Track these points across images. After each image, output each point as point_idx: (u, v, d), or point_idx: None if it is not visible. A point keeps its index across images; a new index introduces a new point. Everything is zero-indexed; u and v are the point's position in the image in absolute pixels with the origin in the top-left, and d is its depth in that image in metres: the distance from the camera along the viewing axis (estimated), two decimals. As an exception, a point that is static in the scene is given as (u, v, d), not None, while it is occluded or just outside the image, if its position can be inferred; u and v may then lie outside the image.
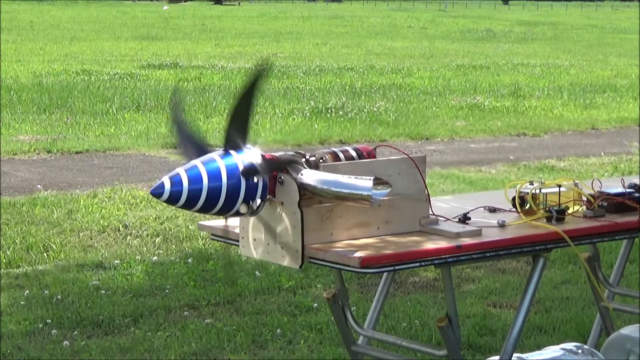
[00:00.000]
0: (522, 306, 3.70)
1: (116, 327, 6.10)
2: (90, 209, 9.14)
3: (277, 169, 3.34)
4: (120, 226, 8.54)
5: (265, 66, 3.26)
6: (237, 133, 3.29)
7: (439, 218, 3.62)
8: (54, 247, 7.90)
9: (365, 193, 3.27)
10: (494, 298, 6.71)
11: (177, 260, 7.50)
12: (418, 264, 3.43)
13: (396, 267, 3.37)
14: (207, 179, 3.19)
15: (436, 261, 3.42)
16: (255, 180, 3.26)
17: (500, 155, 13.19)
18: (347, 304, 4.00)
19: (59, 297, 6.59)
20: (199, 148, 3.36)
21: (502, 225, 3.66)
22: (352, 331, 4.07)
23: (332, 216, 3.41)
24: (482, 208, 3.86)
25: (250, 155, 3.29)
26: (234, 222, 3.64)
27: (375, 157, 3.58)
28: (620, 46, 37.04)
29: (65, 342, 5.81)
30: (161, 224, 8.58)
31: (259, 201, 3.28)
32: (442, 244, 3.44)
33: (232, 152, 3.28)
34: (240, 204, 3.24)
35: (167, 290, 6.76)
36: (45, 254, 7.75)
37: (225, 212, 3.26)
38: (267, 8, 73.04)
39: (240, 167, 3.24)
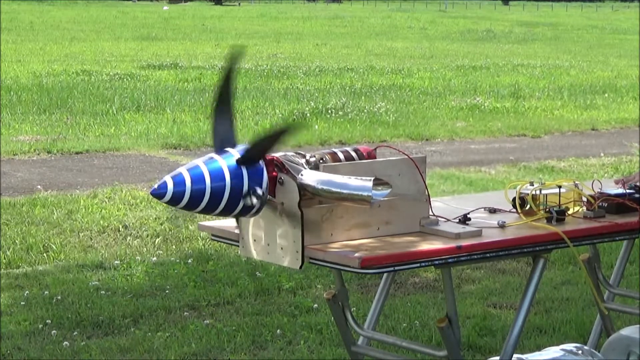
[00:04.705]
0: (522, 307, 3.70)
1: (116, 328, 6.10)
2: (90, 209, 9.13)
3: (268, 148, 3.29)
4: (120, 226, 8.53)
5: (237, 57, 3.29)
6: (225, 129, 3.30)
7: (439, 219, 3.63)
8: (54, 247, 7.89)
9: (365, 194, 3.27)
10: (494, 299, 6.71)
11: (177, 260, 7.50)
12: (418, 265, 3.43)
13: (396, 268, 3.37)
14: (210, 179, 3.19)
15: (436, 262, 3.42)
16: (256, 165, 3.25)
17: (500, 156, 13.18)
18: (347, 304, 4.00)
19: (59, 297, 6.59)
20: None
21: (502, 226, 3.66)
22: (352, 332, 4.07)
23: (332, 217, 3.41)
24: (482, 209, 3.87)
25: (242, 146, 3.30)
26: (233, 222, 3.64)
27: (375, 157, 3.58)
28: (620, 47, 37.03)
29: (65, 343, 5.80)
30: (161, 224, 8.58)
31: (259, 190, 3.25)
32: (442, 244, 3.44)
33: (228, 149, 3.28)
34: (247, 196, 3.22)
35: (167, 291, 6.76)
36: (45, 254, 7.75)
37: (227, 212, 3.26)
38: (267, 8, 73.00)
39: (236, 158, 3.24)
